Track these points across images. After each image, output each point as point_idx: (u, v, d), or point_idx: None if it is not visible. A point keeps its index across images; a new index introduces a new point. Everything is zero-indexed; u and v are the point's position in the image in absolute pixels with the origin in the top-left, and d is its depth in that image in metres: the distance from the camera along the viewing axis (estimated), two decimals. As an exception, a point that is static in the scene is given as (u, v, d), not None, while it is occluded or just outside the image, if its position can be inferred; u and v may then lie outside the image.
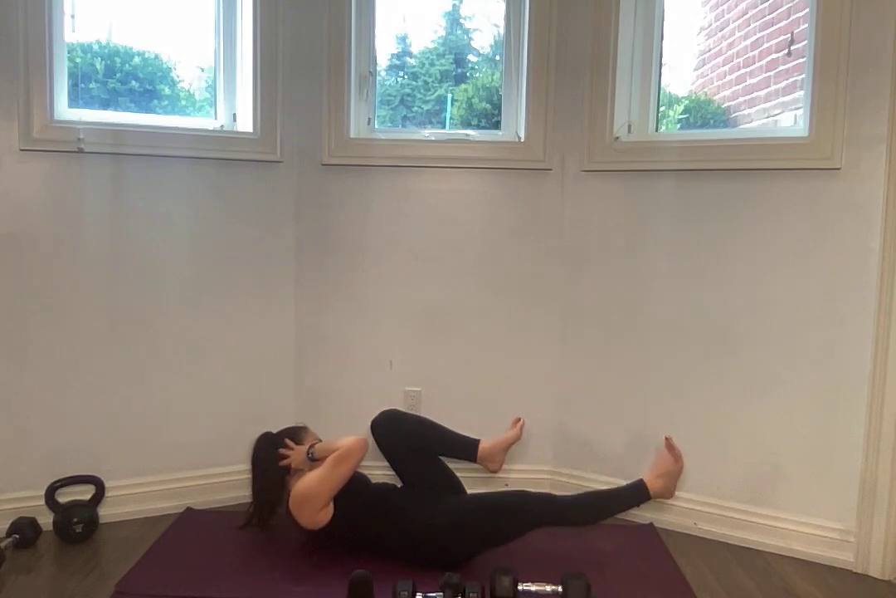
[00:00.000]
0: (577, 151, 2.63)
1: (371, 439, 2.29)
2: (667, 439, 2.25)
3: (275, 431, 2.36)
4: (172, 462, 2.58)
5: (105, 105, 2.58)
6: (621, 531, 2.48)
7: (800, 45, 2.42)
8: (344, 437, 2.20)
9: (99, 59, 2.59)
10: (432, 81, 3.00)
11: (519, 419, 2.42)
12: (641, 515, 2.55)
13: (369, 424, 2.34)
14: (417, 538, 2.11)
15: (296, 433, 2.34)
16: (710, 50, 2.92)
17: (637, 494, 2.20)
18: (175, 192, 2.53)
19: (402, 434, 2.31)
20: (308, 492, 2.09)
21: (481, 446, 2.32)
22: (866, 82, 2.15)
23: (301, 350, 2.77)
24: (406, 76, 3.03)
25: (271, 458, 2.27)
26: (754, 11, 2.68)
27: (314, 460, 2.20)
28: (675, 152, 2.47)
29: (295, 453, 2.25)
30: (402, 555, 2.13)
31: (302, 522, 2.13)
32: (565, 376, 2.72)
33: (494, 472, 2.37)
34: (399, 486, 2.34)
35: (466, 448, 2.33)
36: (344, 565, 2.04)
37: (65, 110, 2.40)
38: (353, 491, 2.16)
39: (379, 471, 2.60)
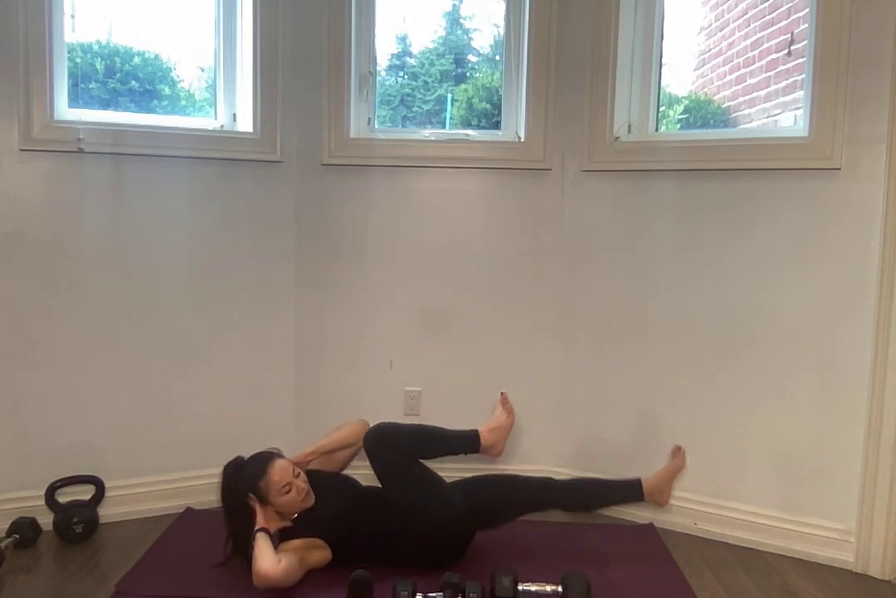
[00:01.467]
0: (577, 151, 2.63)
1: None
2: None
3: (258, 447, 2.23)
4: (172, 462, 2.58)
5: (105, 105, 2.58)
6: (621, 530, 2.48)
7: (800, 45, 2.42)
8: (338, 431, 2.29)
9: (99, 59, 2.59)
10: (432, 81, 3.00)
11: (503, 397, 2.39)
12: (641, 515, 2.55)
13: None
14: (426, 538, 2.10)
15: (263, 469, 2.10)
16: (710, 50, 2.92)
17: (468, 443, 2.25)
18: (175, 192, 2.53)
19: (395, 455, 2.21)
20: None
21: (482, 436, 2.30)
22: (866, 82, 2.15)
23: (301, 350, 2.77)
24: (406, 76, 3.03)
25: (239, 498, 2.11)
26: (754, 11, 2.68)
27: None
28: (675, 152, 2.47)
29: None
30: (411, 558, 2.12)
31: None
32: (565, 376, 2.72)
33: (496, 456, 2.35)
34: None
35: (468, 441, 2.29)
36: (344, 565, 2.04)
37: (65, 110, 2.39)
38: (349, 535, 2.12)
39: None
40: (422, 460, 2.20)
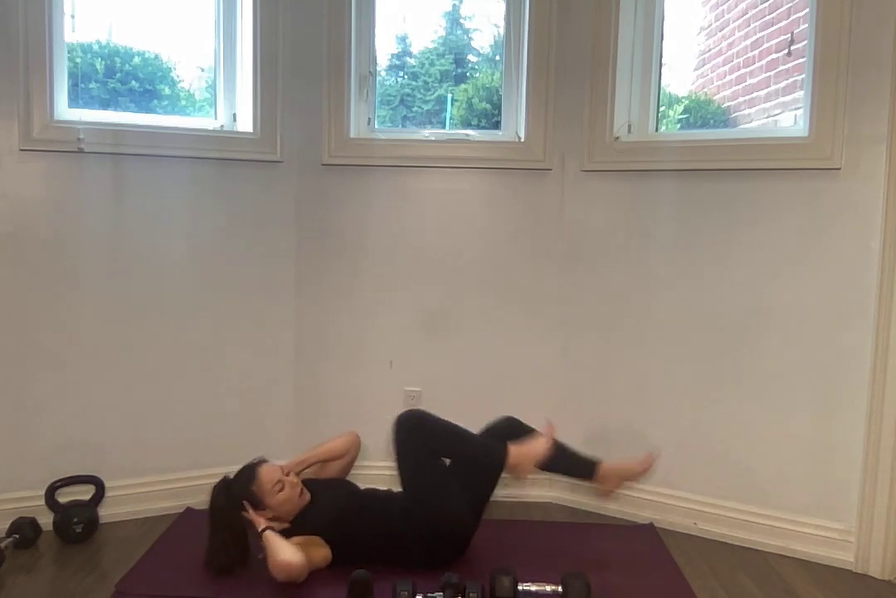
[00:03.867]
0: (577, 151, 2.63)
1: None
2: (650, 454, 2.28)
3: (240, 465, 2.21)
4: (172, 462, 2.58)
5: (105, 105, 2.58)
6: (621, 530, 2.48)
7: (800, 45, 2.42)
8: (327, 443, 2.31)
9: (99, 59, 2.59)
10: (432, 81, 3.00)
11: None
12: (641, 515, 2.55)
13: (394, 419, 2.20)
14: (425, 535, 2.09)
15: (253, 473, 2.12)
16: (710, 50, 2.92)
17: (496, 458, 2.12)
18: (175, 192, 2.53)
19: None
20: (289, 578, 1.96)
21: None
22: (866, 82, 2.15)
23: (301, 350, 2.77)
24: (406, 76, 3.03)
25: (233, 514, 2.10)
26: (754, 11, 2.68)
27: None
28: (675, 152, 2.47)
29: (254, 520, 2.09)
30: (416, 558, 2.10)
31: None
32: (566, 376, 2.72)
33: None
34: (385, 490, 2.29)
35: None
36: (344, 564, 2.04)
37: (65, 110, 2.40)
38: (349, 535, 2.11)
39: (374, 471, 2.61)
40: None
